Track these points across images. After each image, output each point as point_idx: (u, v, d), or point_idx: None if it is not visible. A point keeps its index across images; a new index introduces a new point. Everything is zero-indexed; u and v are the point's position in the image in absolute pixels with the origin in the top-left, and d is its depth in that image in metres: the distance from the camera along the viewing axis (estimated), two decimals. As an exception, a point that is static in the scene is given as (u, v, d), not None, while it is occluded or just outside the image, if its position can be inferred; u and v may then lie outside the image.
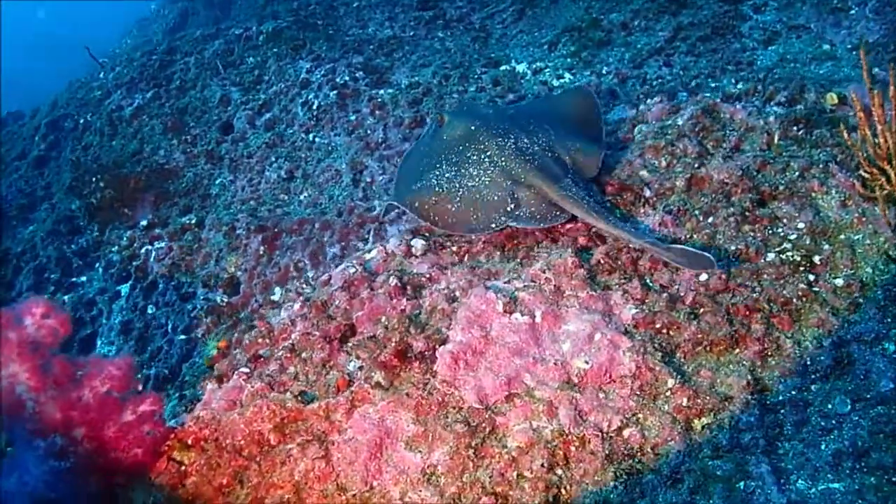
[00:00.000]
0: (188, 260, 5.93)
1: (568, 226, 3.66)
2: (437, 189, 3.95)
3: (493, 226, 3.73)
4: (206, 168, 6.67)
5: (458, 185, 3.95)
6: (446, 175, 4.02)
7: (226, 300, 5.69)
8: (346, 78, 6.74)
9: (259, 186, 6.34)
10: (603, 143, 4.00)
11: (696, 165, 3.71)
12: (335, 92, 6.65)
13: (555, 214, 3.62)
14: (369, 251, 4.05)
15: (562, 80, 6.44)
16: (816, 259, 3.20)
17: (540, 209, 3.70)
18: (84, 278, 6.52)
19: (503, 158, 3.92)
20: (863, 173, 3.35)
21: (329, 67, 6.91)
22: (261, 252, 5.75)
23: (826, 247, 3.25)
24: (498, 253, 3.68)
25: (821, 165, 3.51)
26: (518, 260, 3.55)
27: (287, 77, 7.00)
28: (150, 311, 5.89)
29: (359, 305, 3.59)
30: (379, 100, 6.47)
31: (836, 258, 3.20)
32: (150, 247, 6.11)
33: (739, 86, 5.88)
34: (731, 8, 6.57)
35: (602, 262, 3.32)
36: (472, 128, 4.11)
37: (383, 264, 3.90)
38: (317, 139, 6.49)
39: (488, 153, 3.97)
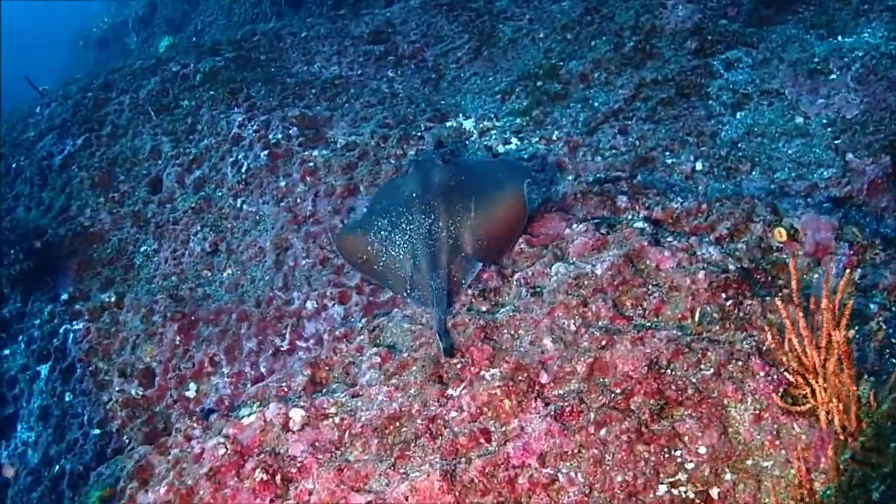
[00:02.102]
0: (105, 344, 5.61)
1: (452, 413, 3.26)
2: (369, 242, 4.42)
3: (402, 296, 4.33)
4: (132, 232, 6.28)
5: (384, 248, 4.39)
6: (381, 232, 4.43)
7: (141, 393, 5.40)
8: (280, 136, 6.25)
9: (182, 259, 5.96)
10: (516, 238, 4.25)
11: (602, 344, 3.27)
12: (266, 152, 6.18)
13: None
14: (249, 415, 3.69)
15: (508, 147, 5.92)
16: (714, 493, 2.81)
17: (424, 295, 4.13)
18: (7, 351, 6.23)
19: (415, 239, 4.28)
20: (788, 375, 2.92)
21: (263, 121, 6.41)
22: (176, 342, 5.42)
23: (728, 476, 2.85)
24: (376, 441, 3.31)
25: (741, 361, 3.06)
26: (392, 460, 3.18)
27: (219, 130, 6.52)
28: (67, 399, 5.62)
29: (222, 502, 3.27)
30: (311, 164, 6.00)
31: (738, 492, 2.80)
32: (69, 326, 5.80)
33: (698, 164, 5.38)
34: (701, 63, 5.95)
35: (476, 480, 2.95)
36: (413, 195, 4.41)
37: (259, 436, 3.55)
38: (244, 206, 6.06)
39: (411, 227, 4.32)
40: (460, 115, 6.46)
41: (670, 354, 3.17)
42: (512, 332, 3.60)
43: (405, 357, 3.67)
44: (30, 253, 5.98)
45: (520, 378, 3.30)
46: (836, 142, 5.13)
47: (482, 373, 3.41)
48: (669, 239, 3.81)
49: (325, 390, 4.02)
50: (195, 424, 4.23)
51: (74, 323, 5.75)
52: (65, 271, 6.12)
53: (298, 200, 5.89)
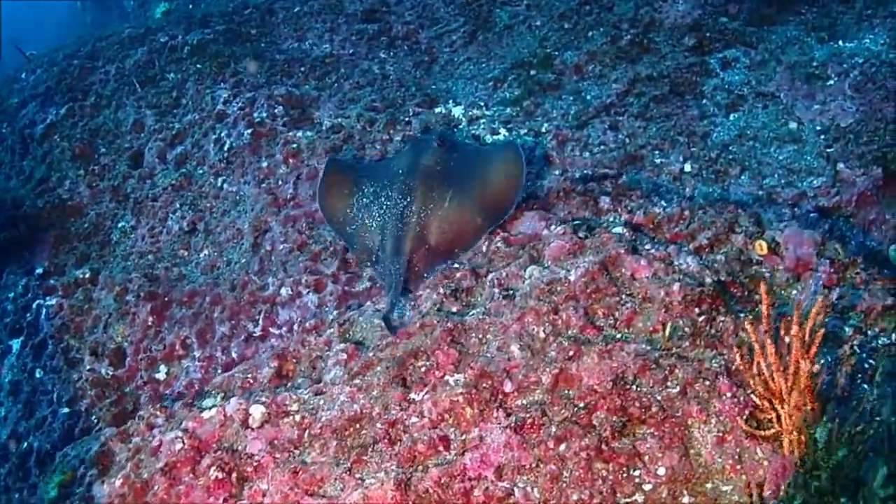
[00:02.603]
0: (77, 322, 5.54)
1: (413, 419, 3.19)
2: (350, 204, 4.55)
3: (365, 264, 4.57)
4: (110, 207, 6.17)
5: (361, 214, 4.49)
6: (363, 199, 4.52)
7: (111, 373, 5.34)
8: (264, 114, 6.11)
9: (160, 238, 5.86)
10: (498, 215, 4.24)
11: (569, 354, 3.19)
12: (250, 131, 6.04)
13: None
14: (210, 408, 3.63)
15: (496, 137, 5.79)
16: (671, 515, 2.76)
17: (384, 275, 4.29)
18: (-20, 322, 6.16)
19: (387, 217, 4.33)
20: (754, 398, 2.85)
21: (248, 98, 6.26)
22: (149, 323, 5.34)
23: (686, 500, 2.78)
24: (334, 443, 3.25)
25: (708, 381, 2.99)
26: (348, 464, 3.12)
27: (204, 105, 6.37)
28: (37, 375, 5.55)
29: (176, 499, 3.21)
30: (294, 146, 5.87)
31: (695, 516, 2.76)
32: (42, 301, 5.71)
33: (687, 165, 5.27)
34: (698, 61, 5.80)
35: (431, 490, 2.89)
36: (399, 172, 4.44)
37: (218, 431, 3.49)
38: (225, 186, 5.94)
39: (387, 204, 4.36)
40: (450, 101, 6.32)
41: (637, 369, 3.09)
42: (480, 335, 3.52)
43: (370, 356, 3.60)
44: (5, 224, 5.87)
45: (484, 385, 3.23)
46: (828, 150, 5.01)
47: (446, 377, 3.34)
48: (648, 246, 3.72)
49: (289, 384, 3.96)
50: (158, 413, 4.17)
51: (48, 298, 5.67)
52: (41, 244, 6.02)
53: (280, 182, 5.77)
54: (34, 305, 5.68)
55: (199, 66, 6.77)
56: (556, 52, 6.41)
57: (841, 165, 4.91)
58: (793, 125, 5.29)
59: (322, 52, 7.08)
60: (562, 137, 5.62)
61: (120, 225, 6.05)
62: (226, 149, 6.03)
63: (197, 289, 5.34)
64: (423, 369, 3.41)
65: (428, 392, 3.28)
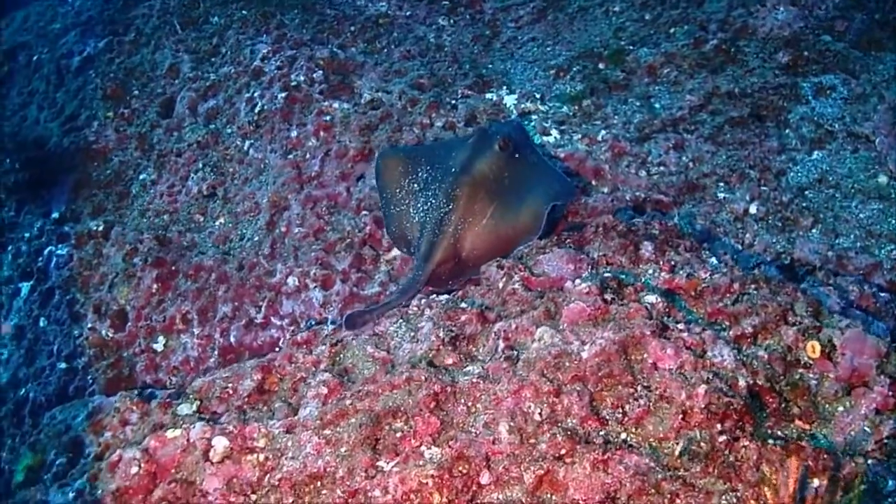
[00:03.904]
0: (85, 276, 5.40)
1: (376, 493, 2.87)
2: (400, 188, 4.35)
3: (401, 250, 4.42)
4: (135, 156, 5.92)
5: (409, 198, 4.33)
6: (414, 184, 4.34)
7: (111, 335, 5.21)
8: (302, 78, 5.68)
9: (178, 198, 5.60)
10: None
11: (561, 452, 2.78)
12: (284, 94, 5.64)
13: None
14: (174, 428, 3.39)
15: (546, 139, 5.24)
16: None
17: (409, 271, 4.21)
18: (-4, 259, 6.11)
19: (428, 217, 4.17)
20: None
21: (288, 57, 5.83)
22: (153, 290, 5.15)
23: None
24: (290, 501, 2.96)
25: (711, 516, 2.56)
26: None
27: (242, 58, 5.97)
28: (41, 324, 5.48)
29: (119, 529, 3.02)
30: (328, 118, 5.45)
31: None
32: (54, 248, 5.59)
33: (753, 206, 4.65)
34: (789, 82, 5.05)
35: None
36: (453, 170, 4.20)
37: (179, 456, 3.25)
38: (251, 151, 5.60)
39: (431, 202, 4.19)
40: (504, 87, 5.75)
41: (633, 490, 2.67)
42: (470, 403, 3.13)
43: (347, 404, 3.26)
44: (25, 165, 5.70)
45: (459, 470, 2.87)
46: (921, 217, 4.31)
47: (422, 448, 2.98)
48: (680, 326, 3.21)
49: (265, 407, 3.70)
50: (134, 407, 4.01)
51: (60, 246, 5.53)
52: (61, 186, 5.85)
53: (307, 156, 5.40)
54: (46, 251, 5.56)
55: (244, 12, 6.34)
56: (631, 47, 5.71)
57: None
58: (882, 179, 4.57)
59: (377, 10, 6.53)
60: (618, 150, 5.03)
61: (141, 177, 5.81)
62: (256, 111, 5.66)
63: (204, 263, 5.09)
64: (398, 434, 3.06)
65: (398, 464, 2.94)
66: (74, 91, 6.34)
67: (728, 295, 3.47)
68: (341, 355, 3.81)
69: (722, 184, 4.80)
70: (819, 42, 5.10)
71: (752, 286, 3.48)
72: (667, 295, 3.47)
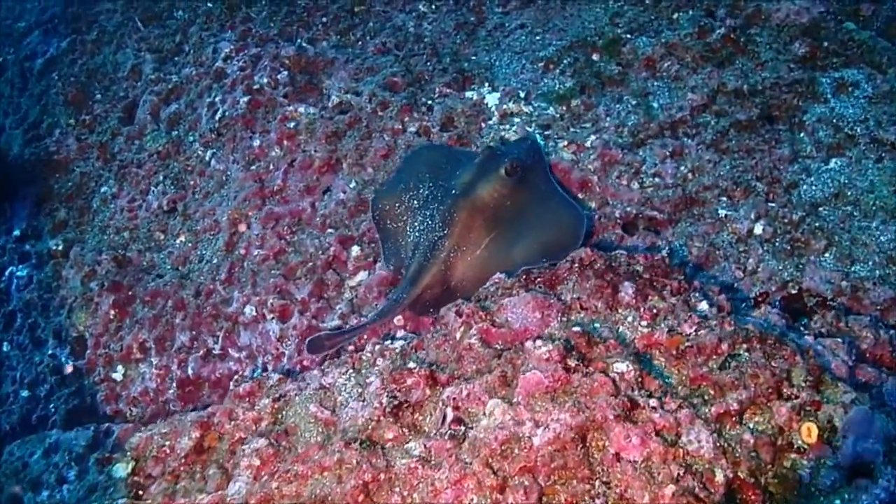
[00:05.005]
0: (45, 299, 5.13)
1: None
2: (400, 200, 4.15)
3: (388, 265, 4.13)
4: (96, 167, 5.57)
5: (406, 217, 4.11)
6: (412, 201, 4.12)
7: (72, 363, 4.94)
8: (265, 80, 5.22)
9: (138, 213, 5.24)
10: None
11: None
12: (247, 98, 5.19)
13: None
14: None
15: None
16: None
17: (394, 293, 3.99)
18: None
19: (422, 239, 3.94)
20: None
21: (252, 56, 5.36)
22: (111, 317, 4.85)
23: None
24: None
25: None
26: None
27: (204, 58, 5.53)
28: (4, 348, 5.24)
29: None
30: (292, 124, 5.01)
31: None
32: (15, 268, 5.32)
33: (758, 226, 4.11)
34: (805, 77, 4.42)
35: None
36: (453, 192, 3.96)
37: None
38: (213, 162, 5.19)
39: (426, 224, 3.97)
40: (486, 83, 5.21)
41: None
42: (406, 492, 2.74)
43: (274, 488, 2.91)
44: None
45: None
46: (953, 244, 3.73)
47: (345, 550, 2.63)
48: (652, 403, 2.75)
49: (200, 474, 3.37)
50: (72, 464, 3.74)
51: (21, 267, 5.27)
52: (23, 201, 5.55)
53: (270, 168, 4.98)
54: (7, 272, 5.29)
55: (209, 4, 5.86)
56: (629, 35, 5.10)
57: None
58: (912, 193, 3.97)
59: (353, -4, 5.98)
60: (609, 158, 4.50)
61: (102, 190, 5.46)
62: (217, 117, 5.24)
63: (161, 289, 4.75)
64: (320, 532, 2.70)
65: (318, 571, 2.60)
66: (38, 96, 5.99)
67: (714, 357, 2.98)
68: (283, 412, 3.46)
69: (724, 198, 4.25)
70: (841, 30, 4.44)
71: (744, 346, 2.99)
72: (641, 359, 3.01)
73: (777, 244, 4.02)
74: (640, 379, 2.86)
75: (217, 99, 5.27)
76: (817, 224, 4.00)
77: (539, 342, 3.02)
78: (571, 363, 2.92)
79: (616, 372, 2.86)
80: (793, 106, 4.39)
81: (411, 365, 3.24)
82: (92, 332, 4.86)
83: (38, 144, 5.71)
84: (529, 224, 3.96)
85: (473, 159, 4.14)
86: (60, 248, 5.17)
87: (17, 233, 5.50)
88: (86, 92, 5.85)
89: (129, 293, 4.83)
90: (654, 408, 2.73)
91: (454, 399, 3.01)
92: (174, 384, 4.60)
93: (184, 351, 4.61)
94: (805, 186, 4.15)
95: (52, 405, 4.95)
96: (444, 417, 3.01)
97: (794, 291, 3.88)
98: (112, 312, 4.83)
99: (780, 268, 3.93)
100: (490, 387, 3.00)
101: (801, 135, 4.33)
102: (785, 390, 2.80)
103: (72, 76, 5.91)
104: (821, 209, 4.07)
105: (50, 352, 4.97)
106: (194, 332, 4.62)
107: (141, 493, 3.35)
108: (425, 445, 2.88)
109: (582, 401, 2.75)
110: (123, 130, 5.59)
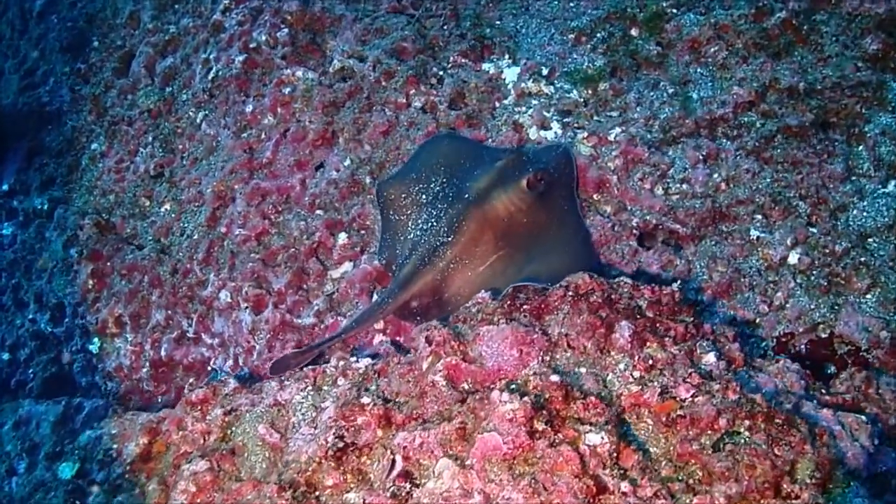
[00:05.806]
0: (28, 261, 4.93)
1: None
2: (406, 192, 3.78)
3: (380, 261, 3.80)
4: (88, 121, 5.26)
5: (410, 210, 3.76)
6: (420, 195, 3.76)
7: (50, 329, 4.78)
8: (264, 38, 4.75)
9: (125, 175, 4.94)
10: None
11: None
12: (243, 57, 4.75)
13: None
14: None
15: (543, 134, 4.20)
16: None
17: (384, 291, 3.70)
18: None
19: (422, 240, 3.58)
20: None
21: (252, 9, 4.88)
22: (89, 286, 4.62)
23: None
24: None
25: None
26: None
27: (203, 9, 5.07)
28: (-12, 309, 5.12)
29: None
30: (288, 90, 4.57)
31: None
32: (1, 225, 5.12)
33: (794, 254, 3.57)
34: (874, 79, 3.75)
35: None
36: (465, 195, 3.57)
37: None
38: (204, 125, 4.81)
39: (430, 224, 3.59)
40: (507, 55, 4.65)
41: None
42: (334, 561, 2.45)
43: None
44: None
45: None
46: None
47: None
48: (623, 487, 2.35)
49: (139, 490, 3.15)
50: (21, 455, 3.58)
51: (6, 225, 5.07)
52: (14, 153, 5.30)
53: (262, 136, 4.58)
54: (-7, 229, 5.12)
55: (215, -53, 5.35)
56: (674, 10, 4.44)
57: None
58: (983, 232, 3.35)
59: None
60: (633, 156, 3.96)
61: (93, 146, 5.15)
62: (211, 77, 4.82)
63: (139, 262, 4.49)
64: None
65: None
66: (36, 39, 5.67)
67: (710, 433, 2.54)
68: (233, 428, 3.20)
69: (759, 217, 3.69)
70: (924, 26, 3.73)
71: (746, 422, 2.53)
72: (623, 423, 2.58)
73: (812, 278, 3.48)
74: (615, 453, 2.45)
75: (212, 56, 4.85)
76: (863, 259, 3.43)
77: (506, 396, 2.61)
78: (539, 426, 2.52)
79: (588, 444, 2.45)
80: (854, 113, 3.74)
81: (365, 400, 2.89)
82: (70, 301, 4.65)
83: (31, 93, 5.44)
84: (543, 248, 3.53)
85: (495, 160, 3.68)
86: (46, 207, 4.95)
87: (5, 187, 5.30)
88: (83, 38, 5.50)
89: (108, 264, 4.59)
90: (624, 494, 2.33)
91: (405, 448, 2.67)
92: (147, 364, 4.39)
93: (158, 330, 4.37)
94: (855, 212, 3.56)
95: (31, 370, 4.83)
96: (393, 466, 2.67)
97: (824, 335, 3.37)
98: (90, 282, 4.61)
99: (813, 306, 3.41)
100: (446, 439, 2.64)
101: (860, 148, 3.70)
102: (785, 486, 2.35)
103: (70, 21, 5.57)
104: (870, 241, 3.49)
105: (31, 316, 4.80)
106: (169, 312, 4.37)
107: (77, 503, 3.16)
108: (365, 501, 2.56)
109: (540, 479, 2.36)
110: (117, 83, 5.24)
